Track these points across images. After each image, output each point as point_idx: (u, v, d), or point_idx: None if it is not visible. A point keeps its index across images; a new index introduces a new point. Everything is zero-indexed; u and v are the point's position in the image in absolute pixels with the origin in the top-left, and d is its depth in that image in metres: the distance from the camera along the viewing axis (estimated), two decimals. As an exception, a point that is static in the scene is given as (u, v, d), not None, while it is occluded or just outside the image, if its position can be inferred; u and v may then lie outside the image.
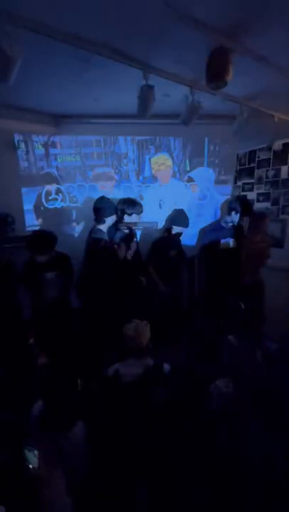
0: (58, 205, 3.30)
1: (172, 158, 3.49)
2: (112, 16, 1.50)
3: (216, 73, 1.77)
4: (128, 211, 2.83)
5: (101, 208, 2.69)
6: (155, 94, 2.04)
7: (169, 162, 3.48)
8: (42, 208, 3.27)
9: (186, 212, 3.24)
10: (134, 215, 2.86)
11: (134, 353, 1.82)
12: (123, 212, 2.84)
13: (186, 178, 3.56)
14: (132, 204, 2.85)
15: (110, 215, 2.71)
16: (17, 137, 2.98)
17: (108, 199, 2.79)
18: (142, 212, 2.94)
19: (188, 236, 3.53)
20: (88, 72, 2.05)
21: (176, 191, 3.56)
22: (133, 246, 2.82)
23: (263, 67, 1.96)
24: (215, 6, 1.45)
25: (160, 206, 3.56)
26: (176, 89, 2.27)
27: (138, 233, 3.29)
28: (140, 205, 2.90)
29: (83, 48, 1.72)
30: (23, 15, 1.48)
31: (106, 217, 2.69)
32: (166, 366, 1.86)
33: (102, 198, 2.76)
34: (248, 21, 1.58)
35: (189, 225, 3.24)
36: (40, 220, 3.29)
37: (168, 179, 3.52)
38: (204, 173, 3.60)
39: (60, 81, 2.22)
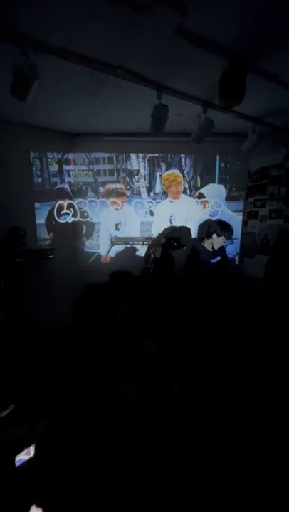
0: (69, 219, 3.37)
1: (183, 175, 3.52)
2: (128, 39, 1.55)
3: (229, 92, 1.79)
4: (219, 232, 2.83)
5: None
6: (168, 115, 2.07)
7: (180, 178, 3.51)
8: (53, 223, 3.34)
9: (197, 228, 3.22)
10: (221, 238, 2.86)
11: (140, 374, 1.72)
12: (211, 233, 2.85)
13: (196, 194, 3.58)
14: (226, 227, 2.85)
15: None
16: (32, 154, 3.09)
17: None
18: (231, 237, 2.94)
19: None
20: (103, 92, 2.12)
21: (186, 207, 3.56)
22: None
23: (276, 85, 1.97)
24: (227, 28, 1.48)
25: (171, 222, 3.56)
26: (189, 107, 2.31)
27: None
28: (232, 231, 2.89)
29: (99, 69, 1.78)
30: (43, 40, 1.55)
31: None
32: (176, 389, 1.75)
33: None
34: (260, 42, 1.59)
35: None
36: (51, 234, 3.35)
37: (179, 195, 3.54)
38: (215, 190, 3.60)
39: (75, 101, 2.30)
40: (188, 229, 3.30)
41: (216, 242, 2.89)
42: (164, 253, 3.02)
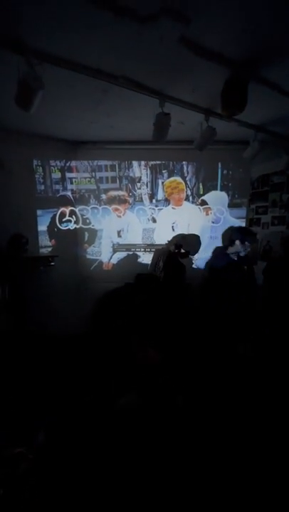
0: (71, 226, 3.37)
1: (185, 182, 3.53)
2: (131, 50, 1.57)
3: (231, 101, 1.80)
4: (242, 239, 2.80)
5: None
6: (170, 123, 2.08)
7: (182, 186, 3.52)
8: (55, 230, 3.34)
9: (201, 235, 3.23)
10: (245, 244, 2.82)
11: (144, 384, 1.69)
12: (234, 240, 2.81)
13: (199, 201, 3.59)
14: (247, 233, 2.83)
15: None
16: (35, 162, 3.11)
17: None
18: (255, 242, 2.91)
19: (203, 260, 3.46)
20: (106, 101, 2.14)
21: (189, 214, 3.56)
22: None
23: (278, 94, 1.99)
24: (229, 38, 1.50)
25: (173, 229, 3.55)
26: (191, 116, 2.33)
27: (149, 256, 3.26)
28: (254, 236, 2.87)
29: (102, 79, 1.80)
30: (48, 50, 1.57)
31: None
32: (179, 397, 1.71)
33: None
34: (261, 51, 1.61)
35: (203, 249, 3.19)
36: (53, 241, 3.35)
37: (181, 202, 3.55)
38: (218, 197, 3.61)
39: (78, 110, 2.32)
40: (198, 237, 3.28)
41: (239, 248, 2.87)
42: (175, 261, 3.01)
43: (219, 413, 1.83)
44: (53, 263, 3.05)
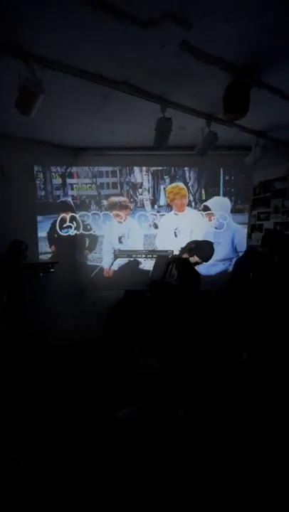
0: (72, 232, 3.35)
1: (187, 188, 3.50)
2: (132, 55, 1.56)
3: (233, 106, 1.79)
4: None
5: None
6: (171, 128, 2.07)
7: (184, 191, 3.49)
8: (56, 236, 3.31)
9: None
10: None
11: (145, 396, 1.61)
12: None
13: (201, 206, 3.56)
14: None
15: None
16: (36, 168, 3.11)
17: None
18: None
19: (205, 264, 3.44)
20: (107, 106, 2.14)
21: (192, 220, 3.52)
22: None
23: (279, 99, 1.97)
24: (230, 43, 1.49)
25: (175, 235, 3.51)
26: (192, 121, 2.32)
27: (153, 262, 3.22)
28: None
29: (103, 85, 1.80)
30: (49, 56, 1.56)
31: None
32: (181, 411, 1.64)
33: None
34: (263, 57, 1.60)
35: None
36: (53, 248, 3.31)
37: (183, 208, 3.51)
38: (220, 202, 3.57)
39: (79, 116, 2.32)
40: (211, 243, 3.22)
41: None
42: (191, 269, 2.96)
43: (222, 426, 1.76)
44: (52, 269, 3.01)
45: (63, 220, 3.31)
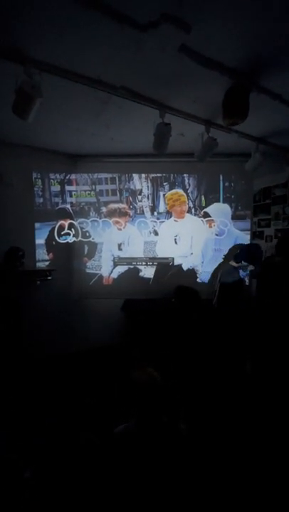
0: (70, 239, 3.30)
1: (187, 195, 3.49)
2: (131, 59, 1.55)
3: (232, 110, 1.77)
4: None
5: None
6: (170, 133, 2.06)
7: (184, 198, 3.47)
8: (53, 243, 3.26)
9: (204, 248, 3.13)
10: None
11: (144, 410, 1.51)
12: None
13: (201, 213, 3.52)
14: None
15: None
16: (34, 175, 3.09)
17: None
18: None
19: (207, 273, 3.37)
20: (106, 112, 2.13)
21: (192, 227, 3.49)
22: None
23: (279, 104, 1.97)
24: (229, 48, 1.48)
25: (176, 242, 3.46)
26: (191, 128, 2.31)
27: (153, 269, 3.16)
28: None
29: (102, 90, 1.79)
30: (47, 60, 1.56)
31: None
32: (182, 426, 1.54)
33: None
34: (262, 62, 1.60)
35: (208, 262, 3.09)
36: (50, 255, 3.25)
37: (183, 214, 3.48)
38: (221, 209, 3.53)
39: (78, 122, 2.32)
40: (258, 246, 2.96)
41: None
42: (237, 276, 2.88)
43: (225, 439, 1.68)
44: (50, 277, 2.95)
45: (62, 227, 3.26)
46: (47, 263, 3.16)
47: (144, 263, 3.48)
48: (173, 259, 3.48)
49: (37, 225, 3.15)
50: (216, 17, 1.29)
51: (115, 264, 3.47)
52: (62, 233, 3.25)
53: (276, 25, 1.34)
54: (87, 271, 3.46)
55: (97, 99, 1.94)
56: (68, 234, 3.26)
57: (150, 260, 3.47)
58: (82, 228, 3.34)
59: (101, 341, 3.28)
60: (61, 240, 3.25)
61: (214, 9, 1.25)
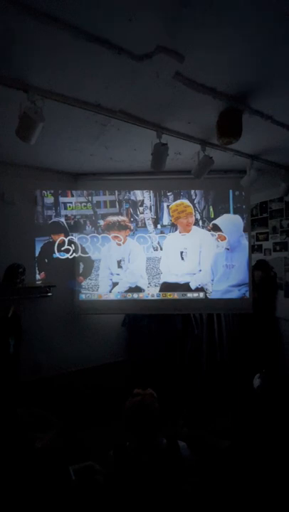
0: (64, 256, 3.05)
1: (193, 205, 3.20)
2: (128, 85, 1.65)
3: (227, 130, 1.86)
4: None
5: None
6: (168, 152, 2.14)
7: (190, 209, 3.18)
8: (46, 260, 3.01)
9: (214, 264, 3.02)
10: None
11: (142, 434, 1.46)
12: None
13: (210, 226, 3.21)
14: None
15: None
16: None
17: None
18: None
19: (218, 292, 3.15)
20: (105, 134, 2.22)
21: (200, 240, 3.17)
22: None
23: (270, 124, 2.05)
24: (222, 75, 1.58)
25: (182, 258, 3.18)
26: (188, 147, 2.40)
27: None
28: None
29: (101, 113, 1.88)
30: (50, 88, 1.65)
31: None
32: (182, 444, 1.49)
33: None
34: (253, 87, 1.70)
35: (218, 279, 2.97)
36: (42, 274, 2.99)
37: (190, 227, 3.18)
38: (231, 220, 3.22)
39: (78, 143, 2.40)
40: None
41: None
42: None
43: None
44: (50, 293, 2.94)
45: (53, 243, 3.04)
46: (38, 283, 2.97)
47: (147, 282, 3.18)
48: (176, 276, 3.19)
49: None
50: (208, 48, 1.38)
51: (114, 284, 3.18)
52: (62, 249, 3.07)
53: (264, 55, 1.44)
54: (83, 291, 3.15)
55: (96, 122, 2.03)
56: (67, 250, 3.07)
57: (154, 278, 3.18)
58: (77, 244, 3.12)
59: (100, 359, 3.23)
60: (60, 256, 3.05)
61: (205, 41, 1.34)
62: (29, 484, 1.47)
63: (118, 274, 3.18)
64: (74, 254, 3.11)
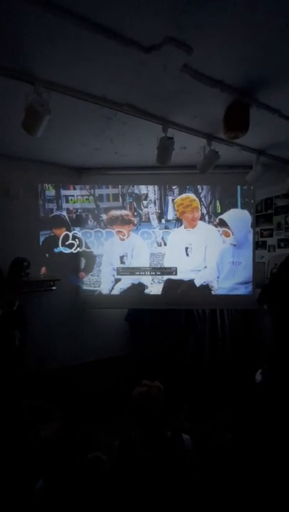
0: (66, 251, 3.04)
1: (199, 199, 3.08)
2: (135, 78, 1.63)
3: (234, 124, 1.84)
4: None
5: None
6: (173, 147, 2.12)
7: (196, 203, 3.06)
8: (47, 255, 2.98)
9: (220, 260, 2.92)
10: None
11: (147, 424, 1.48)
12: None
13: (217, 221, 3.11)
14: None
15: None
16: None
17: None
18: None
19: (224, 289, 3.08)
20: (110, 128, 2.20)
21: (206, 236, 3.07)
22: None
23: (278, 118, 2.03)
24: (230, 68, 1.56)
25: (187, 254, 3.08)
26: (193, 141, 2.38)
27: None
28: None
29: (107, 107, 1.86)
30: (55, 80, 1.64)
31: None
32: (186, 437, 1.50)
33: None
34: (261, 80, 1.67)
35: (224, 276, 2.90)
36: (43, 269, 2.94)
37: (195, 222, 3.07)
38: (239, 215, 3.12)
39: (83, 137, 2.39)
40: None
41: None
42: None
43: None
44: (54, 287, 2.96)
45: (57, 237, 3.02)
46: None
47: (151, 279, 3.12)
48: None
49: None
50: (216, 40, 1.36)
51: (116, 280, 3.13)
52: (67, 244, 3.06)
53: (273, 48, 1.42)
54: (85, 288, 3.09)
55: (102, 116, 2.02)
56: (73, 244, 3.06)
57: (156, 271, 3.10)
58: (79, 238, 3.09)
59: (103, 353, 3.26)
60: (56, 251, 3.01)
61: (214, 33, 1.32)
62: (33, 474, 1.50)
63: (121, 270, 3.14)
64: (78, 249, 3.09)
